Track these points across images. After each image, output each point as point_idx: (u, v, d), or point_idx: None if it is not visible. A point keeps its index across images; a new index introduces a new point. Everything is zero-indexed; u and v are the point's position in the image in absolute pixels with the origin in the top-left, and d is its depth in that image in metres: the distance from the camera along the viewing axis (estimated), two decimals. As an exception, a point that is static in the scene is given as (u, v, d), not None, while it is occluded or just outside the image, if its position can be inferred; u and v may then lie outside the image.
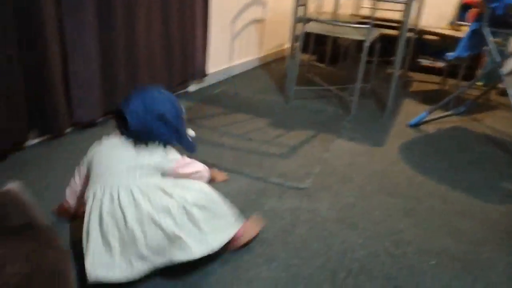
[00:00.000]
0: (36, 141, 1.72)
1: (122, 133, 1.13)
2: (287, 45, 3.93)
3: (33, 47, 1.55)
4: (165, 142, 1.14)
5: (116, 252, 0.98)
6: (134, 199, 1.02)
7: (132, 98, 1.11)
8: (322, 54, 3.61)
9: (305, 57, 3.28)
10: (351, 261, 1.22)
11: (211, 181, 1.25)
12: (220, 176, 1.56)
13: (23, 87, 1.55)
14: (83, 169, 1.18)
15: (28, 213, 0.71)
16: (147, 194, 1.03)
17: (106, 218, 1.00)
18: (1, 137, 1.47)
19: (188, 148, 1.21)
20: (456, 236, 1.40)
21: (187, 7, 2.30)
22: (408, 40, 2.60)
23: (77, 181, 1.21)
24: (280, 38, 3.80)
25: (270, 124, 2.17)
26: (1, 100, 1.44)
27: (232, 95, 2.59)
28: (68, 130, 1.84)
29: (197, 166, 1.25)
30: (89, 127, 1.91)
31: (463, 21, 3.34)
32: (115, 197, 1.02)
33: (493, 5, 2.05)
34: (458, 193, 1.69)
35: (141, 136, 1.10)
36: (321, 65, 3.45)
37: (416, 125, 2.41)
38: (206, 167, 1.28)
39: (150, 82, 2.18)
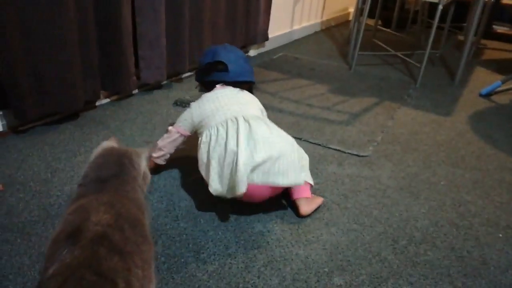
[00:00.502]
0: (106, 101, 1.80)
1: (223, 82, 1.29)
2: (351, 9, 3.79)
3: (105, 9, 1.60)
4: (251, 85, 1.34)
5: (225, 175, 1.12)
6: (250, 125, 1.15)
7: (221, 50, 1.30)
8: (389, 19, 3.46)
9: (371, 21, 3.15)
10: (413, 230, 1.20)
11: None
12: None
13: (96, 49, 1.62)
14: (184, 131, 1.26)
15: (119, 164, 0.77)
16: (266, 123, 1.19)
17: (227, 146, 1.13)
18: (75, 94, 1.55)
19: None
20: (528, 212, 1.33)
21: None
22: (484, 4, 2.41)
23: (170, 140, 1.28)
24: (344, 1, 3.67)
25: (332, 90, 2.13)
26: (77, 61, 1.52)
27: (293, 60, 2.56)
28: (136, 91, 1.91)
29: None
30: (155, 89, 1.98)
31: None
32: (236, 125, 1.15)
33: None
34: (532, 167, 1.59)
35: (238, 80, 1.28)
36: (387, 30, 3.30)
37: (488, 95, 2.27)
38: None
39: (213, 43, 2.20)
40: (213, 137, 1.16)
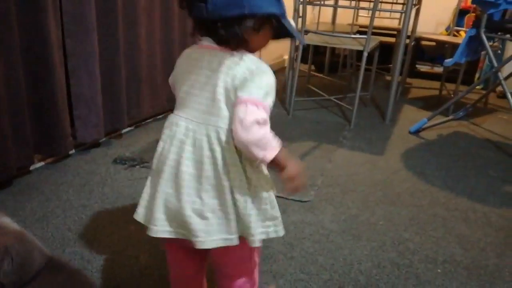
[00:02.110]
0: (40, 164, 1.74)
1: (200, 28, 0.83)
2: (286, 56, 3.96)
3: (37, 71, 1.57)
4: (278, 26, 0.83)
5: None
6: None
7: None
8: (321, 64, 3.64)
9: (304, 67, 3.30)
10: (358, 274, 1.23)
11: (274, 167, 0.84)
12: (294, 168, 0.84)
13: (27, 111, 1.57)
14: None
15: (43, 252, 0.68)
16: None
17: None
18: (7, 162, 1.49)
19: (297, 36, 0.89)
20: (461, 243, 1.41)
21: (187, 26, 2.33)
22: (406, 47, 2.62)
23: None
24: (279, 50, 3.83)
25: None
26: (6, 126, 1.46)
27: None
28: (72, 151, 1.86)
29: (267, 127, 0.79)
30: (93, 147, 1.94)
31: (460, 27, 3.37)
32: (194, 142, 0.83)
33: (490, 11, 2.07)
34: (461, 199, 1.69)
35: (225, 17, 0.77)
36: (320, 74, 3.47)
37: (416, 132, 2.42)
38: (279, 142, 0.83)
39: (152, 100, 2.21)
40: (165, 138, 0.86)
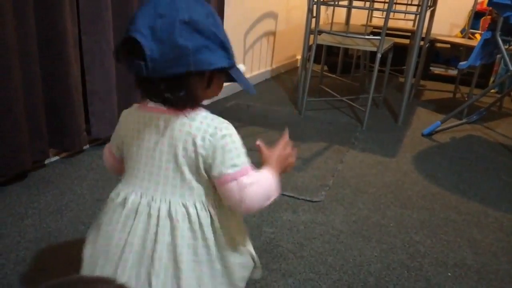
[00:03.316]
0: (55, 158, 1.76)
1: (143, 90, 0.76)
2: (298, 56, 3.96)
3: (53, 67, 1.60)
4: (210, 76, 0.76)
5: None
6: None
7: (139, 12, 0.71)
8: (334, 64, 3.63)
9: (317, 67, 3.30)
10: (367, 275, 1.23)
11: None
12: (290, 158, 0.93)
13: (43, 106, 1.60)
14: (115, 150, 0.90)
15: None
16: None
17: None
18: (23, 156, 1.52)
19: (246, 85, 0.81)
20: (472, 248, 1.40)
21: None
22: (420, 48, 2.60)
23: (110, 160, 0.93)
24: (292, 50, 3.83)
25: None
26: (23, 120, 1.49)
27: (245, 107, 2.62)
28: (86, 146, 1.88)
29: (257, 177, 0.78)
30: (106, 143, 1.95)
31: (476, 29, 3.34)
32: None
33: (506, 14, 2.05)
34: (473, 203, 1.68)
35: (168, 76, 0.70)
36: (332, 75, 3.46)
37: (429, 135, 2.41)
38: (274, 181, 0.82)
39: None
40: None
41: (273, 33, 3.40)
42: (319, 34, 2.49)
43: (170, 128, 0.74)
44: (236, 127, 0.81)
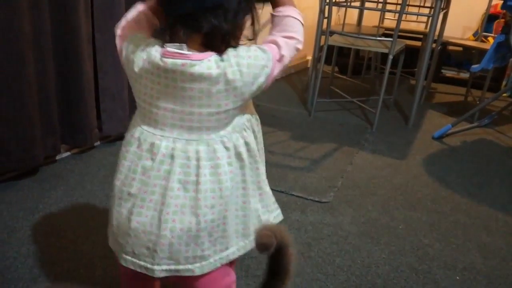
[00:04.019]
0: (66, 154, 1.78)
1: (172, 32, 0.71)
2: (309, 56, 3.95)
3: (67, 63, 1.61)
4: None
5: None
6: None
7: None
8: (344, 66, 3.62)
9: (327, 68, 3.29)
10: (375, 277, 1.23)
11: None
12: None
13: (56, 102, 1.62)
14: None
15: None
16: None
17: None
18: (35, 151, 1.53)
19: None
20: (482, 252, 1.39)
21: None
22: (432, 51, 2.59)
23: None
24: (302, 50, 3.82)
25: (293, 136, 2.20)
26: (35, 116, 1.51)
27: (254, 107, 2.62)
28: (97, 143, 1.90)
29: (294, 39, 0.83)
30: (117, 140, 1.97)
31: (489, 32, 3.31)
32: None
33: (519, 17, 2.03)
34: (483, 207, 1.67)
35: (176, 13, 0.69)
36: (343, 76, 3.45)
37: (440, 138, 2.39)
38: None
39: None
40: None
41: (284, 34, 3.40)
42: (331, 35, 2.49)
43: (200, 73, 0.70)
44: None
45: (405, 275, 1.25)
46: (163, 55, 0.70)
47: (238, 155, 0.79)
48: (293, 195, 1.63)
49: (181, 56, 0.69)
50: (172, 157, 0.75)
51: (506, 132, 2.60)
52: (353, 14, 3.35)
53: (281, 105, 2.75)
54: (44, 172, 1.64)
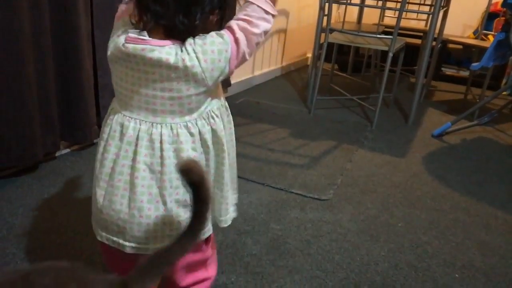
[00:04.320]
0: (66, 151, 1.78)
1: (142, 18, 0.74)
2: (309, 54, 3.95)
3: (66, 61, 1.61)
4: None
5: None
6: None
7: None
8: (344, 63, 3.62)
9: (327, 66, 3.29)
10: (374, 274, 1.23)
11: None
12: None
13: (56, 99, 1.61)
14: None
15: None
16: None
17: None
18: (35, 147, 1.53)
19: None
20: (481, 249, 1.39)
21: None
22: (432, 49, 2.59)
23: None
24: (302, 48, 3.82)
25: (292, 134, 2.20)
26: (35, 112, 1.51)
27: (254, 105, 2.63)
28: (96, 140, 1.90)
29: (262, 23, 0.80)
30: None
31: (489, 30, 3.31)
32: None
33: (519, 15, 2.03)
34: (483, 205, 1.67)
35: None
36: (343, 74, 3.45)
37: (439, 136, 2.39)
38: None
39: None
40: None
41: (284, 31, 3.40)
42: (331, 33, 2.49)
43: (159, 58, 0.73)
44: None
45: (404, 273, 1.25)
46: (126, 40, 0.74)
47: (204, 142, 0.82)
48: (292, 192, 1.63)
49: (142, 41, 0.73)
50: (138, 138, 0.79)
51: (506, 130, 2.60)
52: (353, 11, 3.35)
53: (281, 102, 2.75)
54: (44, 168, 1.64)
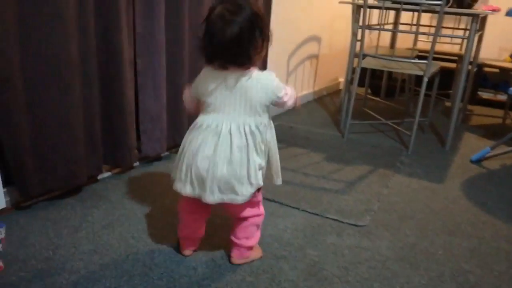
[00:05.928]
0: (107, 174, 1.84)
1: (212, 59, 1.15)
2: (341, 78, 3.96)
3: (110, 86, 1.68)
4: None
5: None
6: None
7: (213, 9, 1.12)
8: (377, 87, 3.61)
9: (359, 90, 3.29)
10: (415, 303, 1.20)
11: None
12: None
13: (99, 123, 1.68)
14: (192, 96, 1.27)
15: None
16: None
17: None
18: (79, 171, 1.59)
19: None
20: (527, 281, 1.34)
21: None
22: (468, 73, 2.56)
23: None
24: (334, 72, 3.84)
25: (326, 158, 2.19)
26: (81, 139, 1.57)
27: (288, 129, 2.65)
28: (136, 163, 1.95)
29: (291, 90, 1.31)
30: (155, 160, 2.03)
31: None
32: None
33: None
34: (527, 234, 1.62)
35: (233, 52, 1.11)
36: (376, 98, 3.44)
37: (478, 161, 2.34)
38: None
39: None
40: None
41: (316, 56, 3.43)
42: (364, 58, 2.50)
43: (239, 80, 1.15)
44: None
45: (447, 303, 1.22)
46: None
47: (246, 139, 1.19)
48: (328, 217, 1.63)
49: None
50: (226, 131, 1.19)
51: (548, 155, 2.52)
52: (385, 36, 3.36)
53: (314, 126, 2.76)
54: (87, 191, 1.69)
